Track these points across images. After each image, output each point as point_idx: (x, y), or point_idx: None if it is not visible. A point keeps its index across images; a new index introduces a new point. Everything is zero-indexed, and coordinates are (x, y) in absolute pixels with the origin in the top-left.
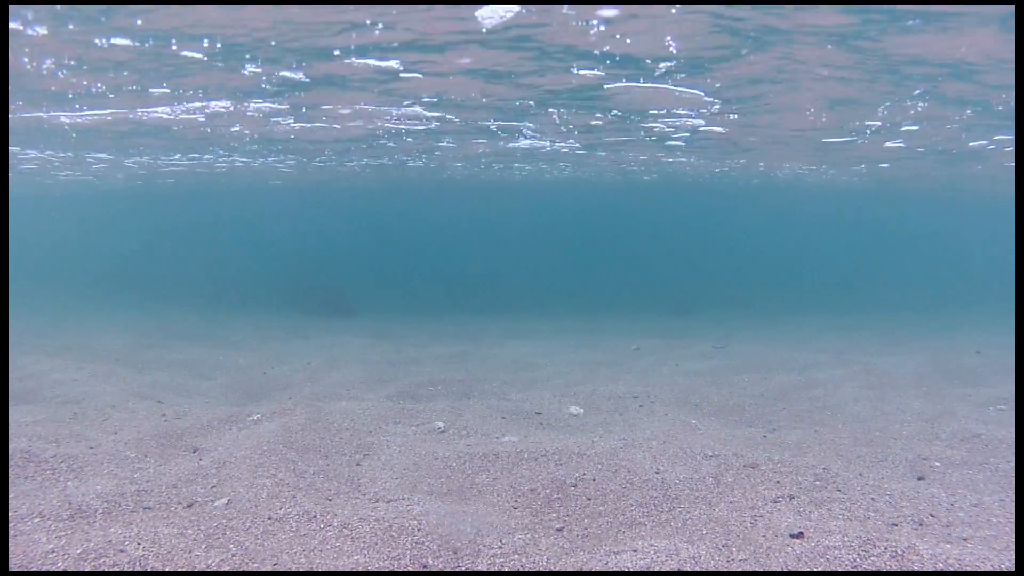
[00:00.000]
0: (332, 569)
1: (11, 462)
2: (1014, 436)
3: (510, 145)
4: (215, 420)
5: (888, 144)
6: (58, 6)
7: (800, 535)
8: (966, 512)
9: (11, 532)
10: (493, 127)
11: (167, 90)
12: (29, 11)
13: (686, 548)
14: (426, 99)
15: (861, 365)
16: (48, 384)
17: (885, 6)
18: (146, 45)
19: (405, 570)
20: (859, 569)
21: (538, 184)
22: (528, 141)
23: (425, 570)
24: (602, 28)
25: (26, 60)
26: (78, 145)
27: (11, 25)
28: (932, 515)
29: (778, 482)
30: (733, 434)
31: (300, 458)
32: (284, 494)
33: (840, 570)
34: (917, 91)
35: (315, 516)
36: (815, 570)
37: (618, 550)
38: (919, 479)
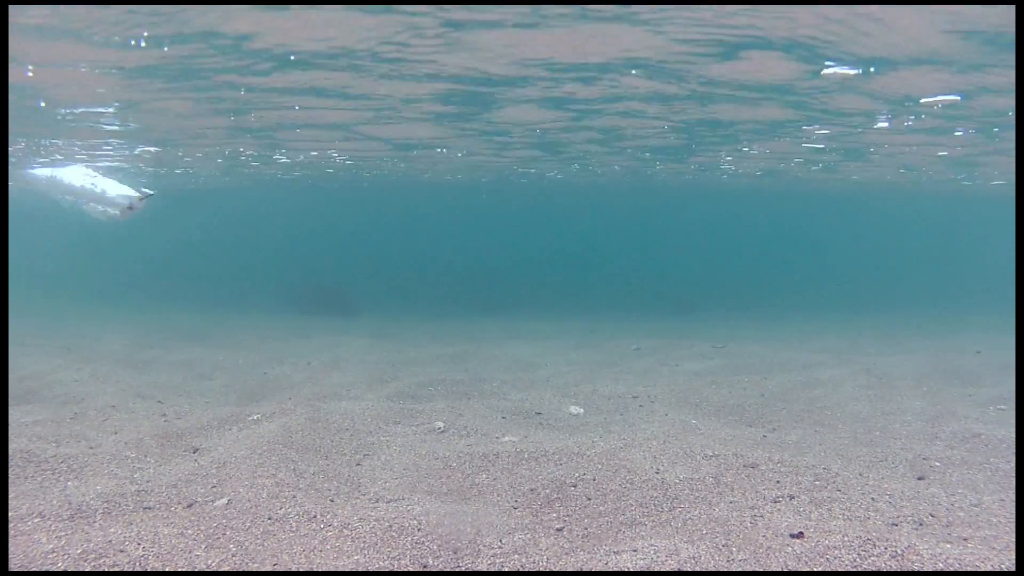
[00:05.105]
0: (332, 569)
1: (11, 462)
2: (1014, 436)
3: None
4: (215, 420)
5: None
6: None
7: (800, 535)
8: (966, 512)
9: (11, 532)
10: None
11: None
12: None
13: (686, 548)
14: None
15: (861, 365)
16: (48, 384)
17: None
18: None
19: (405, 570)
20: (859, 569)
21: (539, 184)
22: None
23: (425, 570)
24: None
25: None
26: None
27: None
28: (932, 515)
29: (778, 482)
30: (733, 434)
31: (300, 458)
32: (284, 494)
33: (840, 570)
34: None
35: (315, 516)
36: (815, 570)
37: (618, 550)
38: (919, 479)
